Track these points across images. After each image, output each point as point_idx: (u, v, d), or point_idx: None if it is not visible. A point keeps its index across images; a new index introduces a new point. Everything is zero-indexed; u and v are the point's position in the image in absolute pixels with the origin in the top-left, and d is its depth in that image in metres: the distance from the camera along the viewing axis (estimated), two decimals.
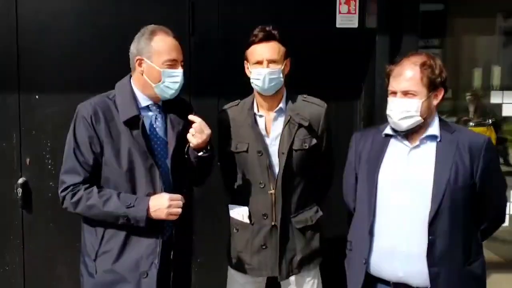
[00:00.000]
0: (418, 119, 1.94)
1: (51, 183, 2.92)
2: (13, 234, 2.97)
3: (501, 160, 3.82)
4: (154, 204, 1.98)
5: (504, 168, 3.61)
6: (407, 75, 1.94)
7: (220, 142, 2.43)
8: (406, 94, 1.94)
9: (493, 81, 3.93)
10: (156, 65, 2.04)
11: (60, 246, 2.98)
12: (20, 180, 2.92)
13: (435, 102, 1.98)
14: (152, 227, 2.00)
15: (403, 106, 1.94)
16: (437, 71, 1.94)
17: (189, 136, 2.05)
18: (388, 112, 2.00)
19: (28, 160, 2.94)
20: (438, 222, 1.90)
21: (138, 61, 2.06)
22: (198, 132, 2.04)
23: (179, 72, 2.06)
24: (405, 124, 1.95)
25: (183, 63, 2.11)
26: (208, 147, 2.11)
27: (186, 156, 2.12)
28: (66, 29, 2.91)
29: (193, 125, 2.05)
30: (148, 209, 1.96)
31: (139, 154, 2.01)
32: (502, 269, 3.48)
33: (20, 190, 2.90)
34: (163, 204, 1.97)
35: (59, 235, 2.97)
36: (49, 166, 2.91)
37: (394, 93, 1.97)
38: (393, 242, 1.97)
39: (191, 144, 2.07)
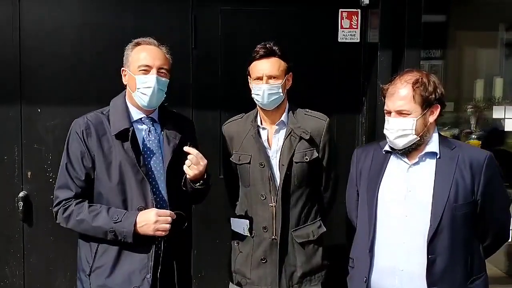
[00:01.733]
0: (413, 137, 1.94)
1: (52, 197, 2.88)
2: (13, 247, 2.97)
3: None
4: (141, 219, 1.96)
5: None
6: (400, 94, 1.94)
7: (224, 154, 2.46)
8: (400, 113, 1.94)
9: (495, 93, 3.92)
10: (132, 73, 2.06)
11: (61, 260, 2.97)
12: (21, 194, 2.92)
13: (431, 119, 1.97)
14: (144, 241, 1.99)
15: (398, 125, 1.94)
16: (430, 88, 1.93)
17: (185, 167, 2.02)
18: (384, 131, 2.00)
19: (29, 173, 2.93)
20: (438, 240, 1.89)
21: (123, 73, 2.11)
22: (195, 163, 2.00)
23: (150, 77, 2.03)
24: (401, 143, 1.95)
25: (166, 71, 2.08)
26: (205, 176, 2.07)
27: (183, 188, 2.10)
28: (68, 43, 2.92)
29: (189, 157, 2.00)
30: (135, 225, 1.95)
31: (130, 167, 2.00)
32: (505, 284, 3.46)
33: (21, 203, 2.90)
34: (150, 220, 1.94)
35: (60, 249, 2.96)
36: (50, 180, 2.90)
37: (389, 112, 1.98)
38: (393, 261, 1.96)
39: (187, 176, 2.04)
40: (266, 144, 2.32)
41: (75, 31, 2.92)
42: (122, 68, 2.11)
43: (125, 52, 2.11)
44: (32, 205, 2.94)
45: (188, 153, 2.00)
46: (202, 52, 2.99)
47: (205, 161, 2.04)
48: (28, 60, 2.90)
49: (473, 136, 3.92)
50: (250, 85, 2.35)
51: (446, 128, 3.81)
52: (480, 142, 3.75)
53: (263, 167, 2.28)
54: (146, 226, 1.94)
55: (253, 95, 2.31)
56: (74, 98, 2.91)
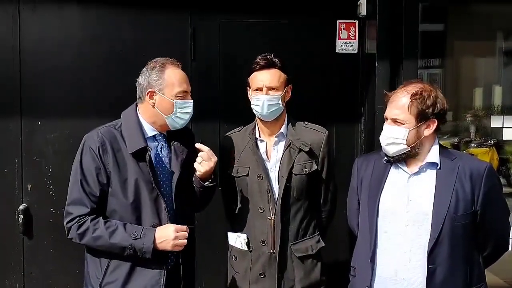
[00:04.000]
0: (404, 147, 1.95)
1: (52, 209, 2.92)
2: (13, 260, 2.96)
3: (504, 181, 3.79)
4: (160, 235, 1.98)
5: (507, 190, 3.58)
6: (398, 104, 1.97)
7: (222, 167, 2.45)
8: (395, 121, 1.97)
9: (494, 101, 3.92)
10: (168, 97, 2.07)
11: (61, 273, 2.97)
12: (21, 206, 2.92)
13: (426, 132, 1.97)
14: (157, 257, 2.00)
15: (391, 133, 1.97)
16: (428, 102, 1.93)
17: (196, 164, 2.08)
18: (380, 136, 2.03)
19: (29, 186, 2.94)
20: (438, 250, 1.90)
21: (149, 94, 2.07)
22: (206, 160, 2.07)
23: (190, 102, 2.12)
24: (391, 150, 1.98)
25: (191, 93, 2.15)
26: (213, 176, 2.14)
27: (194, 185, 2.14)
28: (68, 56, 2.94)
29: (200, 154, 2.08)
30: (154, 241, 1.97)
31: (145, 185, 2.02)
32: None
33: (21, 216, 2.90)
34: (169, 236, 1.98)
35: (60, 262, 2.96)
36: (51, 192, 2.91)
37: (386, 119, 2.01)
38: (394, 270, 1.97)
39: (197, 173, 2.09)
40: (264, 156, 2.32)
41: (75, 44, 2.94)
42: (150, 90, 2.06)
43: (150, 73, 2.07)
44: (32, 217, 2.94)
45: (199, 151, 2.08)
46: (201, 64, 3.01)
47: (216, 158, 2.12)
48: (28, 72, 2.92)
49: (473, 144, 3.91)
50: (250, 96, 2.35)
51: (445, 137, 3.80)
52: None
53: (261, 180, 2.28)
54: (166, 242, 1.98)
55: (252, 106, 2.31)
56: (74, 110, 2.92)
